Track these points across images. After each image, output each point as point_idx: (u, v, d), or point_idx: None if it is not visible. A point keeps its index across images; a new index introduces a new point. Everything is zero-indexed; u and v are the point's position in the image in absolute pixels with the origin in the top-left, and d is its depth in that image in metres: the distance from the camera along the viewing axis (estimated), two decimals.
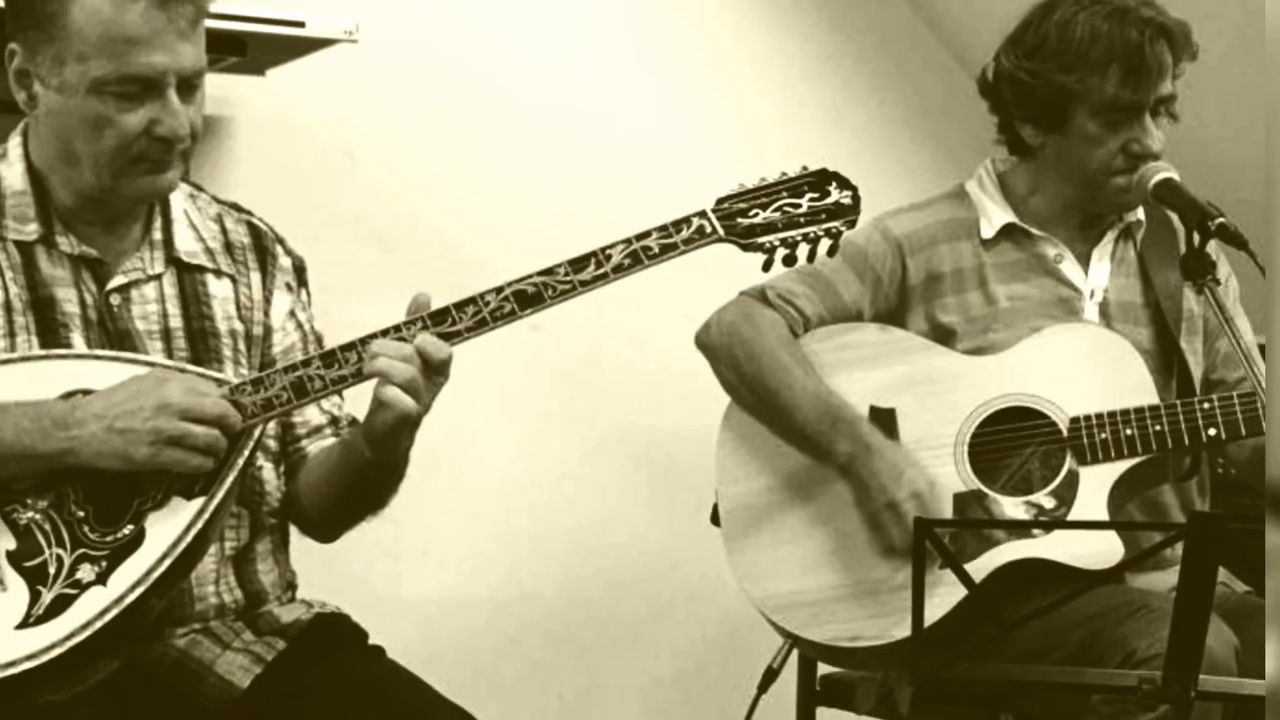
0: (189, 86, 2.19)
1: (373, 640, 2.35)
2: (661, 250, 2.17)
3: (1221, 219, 2.43)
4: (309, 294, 2.46)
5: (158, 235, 2.31)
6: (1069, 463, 2.63)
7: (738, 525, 2.75)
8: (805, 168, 2.26)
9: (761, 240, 2.22)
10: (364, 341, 2.14)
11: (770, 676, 3.14)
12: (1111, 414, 2.63)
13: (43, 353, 2.18)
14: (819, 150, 2.54)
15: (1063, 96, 2.71)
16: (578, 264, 2.15)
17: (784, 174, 2.26)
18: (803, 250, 2.24)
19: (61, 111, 2.17)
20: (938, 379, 2.72)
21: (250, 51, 3.04)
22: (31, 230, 2.23)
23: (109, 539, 2.08)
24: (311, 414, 2.37)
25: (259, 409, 2.14)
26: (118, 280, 2.26)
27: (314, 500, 2.36)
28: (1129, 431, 2.62)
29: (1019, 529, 2.58)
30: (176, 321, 2.29)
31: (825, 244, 2.25)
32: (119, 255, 2.28)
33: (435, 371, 2.13)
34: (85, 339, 2.22)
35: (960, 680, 2.38)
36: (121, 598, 2.04)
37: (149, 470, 2.09)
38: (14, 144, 2.28)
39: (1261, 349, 2.70)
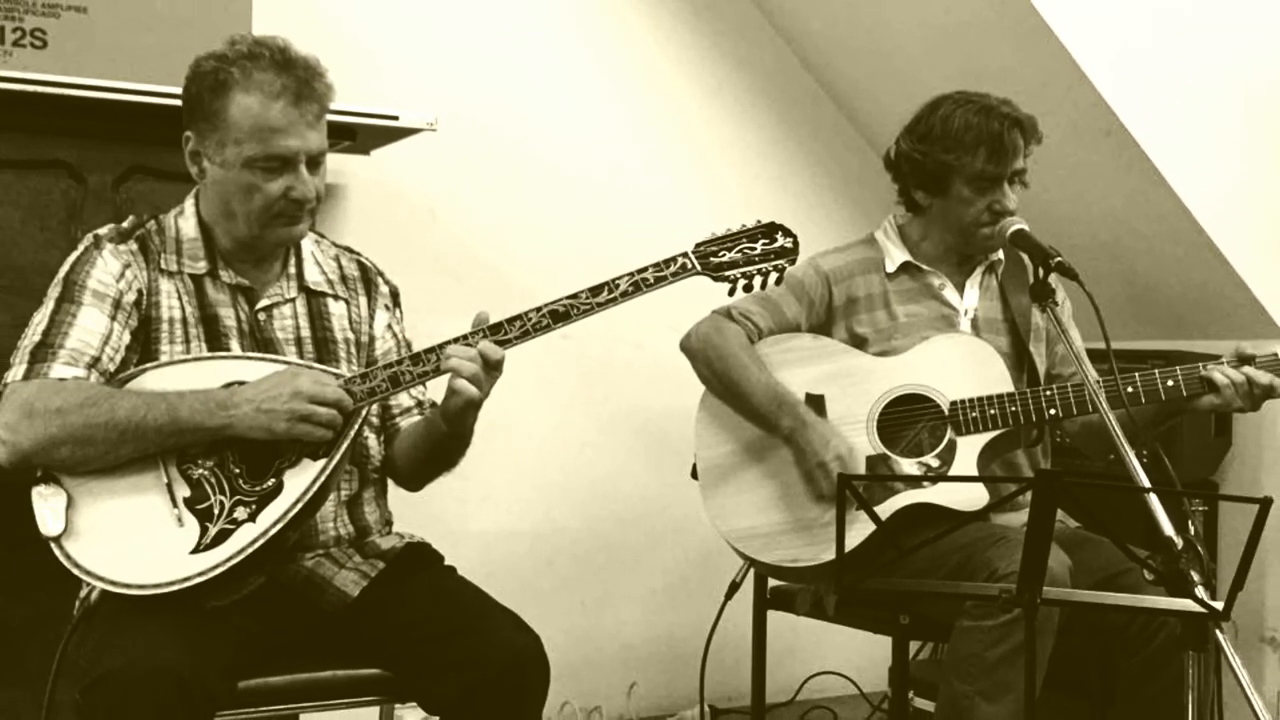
0: (315, 163, 2.19)
1: (447, 562, 2.35)
2: (655, 281, 2.16)
3: (1059, 258, 2.42)
4: (401, 312, 2.45)
5: (292, 270, 2.31)
6: (949, 434, 2.62)
7: (710, 479, 2.74)
8: (759, 221, 2.25)
9: (728, 274, 2.21)
10: (441, 347, 2.13)
11: (734, 588, 3.13)
12: (980, 399, 2.62)
13: (210, 355, 2.18)
14: (769, 208, 2.55)
15: (944, 170, 2.71)
16: (595, 291, 2.14)
17: (744, 225, 2.25)
18: (757, 280, 2.23)
19: (222, 181, 2.17)
20: (854, 373, 2.71)
21: (359, 137, 3.04)
22: (201, 266, 2.23)
23: (257, 489, 2.08)
24: (403, 399, 2.37)
25: (365, 395, 2.14)
26: (264, 302, 2.26)
27: (405, 461, 2.35)
28: (993, 411, 2.61)
29: (914, 482, 2.57)
30: (306, 332, 2.29)
31: (774, 276, 2.23)
32: (264, 284, 2.27)
33: (493, 368, 2.12)
34: (240, 345, 2.22)
35: (871, 590, 2.37)
36: (266, 531, 2.04)
37: (286, 439, 2.08)
38: (188, 204, 2.27)
39: (1089, 352, 2.69)
